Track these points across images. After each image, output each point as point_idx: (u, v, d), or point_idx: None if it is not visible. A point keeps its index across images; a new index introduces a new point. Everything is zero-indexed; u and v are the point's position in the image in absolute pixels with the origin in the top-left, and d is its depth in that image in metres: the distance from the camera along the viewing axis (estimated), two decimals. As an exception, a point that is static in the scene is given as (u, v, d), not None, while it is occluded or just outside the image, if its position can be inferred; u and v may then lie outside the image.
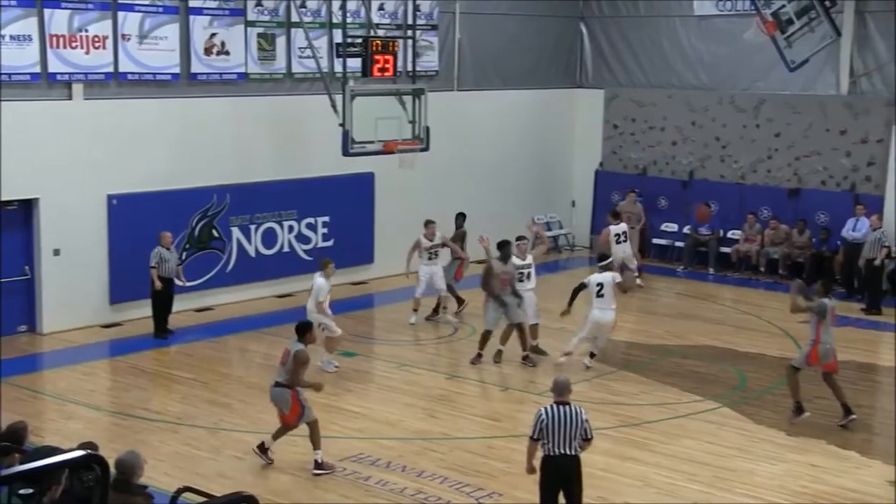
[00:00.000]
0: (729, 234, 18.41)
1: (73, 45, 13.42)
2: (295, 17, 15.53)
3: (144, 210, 14.19)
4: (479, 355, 12.71)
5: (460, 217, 15.39)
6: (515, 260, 12.77)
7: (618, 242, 16.25)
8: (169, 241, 13.71)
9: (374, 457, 9.73)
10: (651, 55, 19.45)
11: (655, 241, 19.01)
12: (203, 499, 5.18)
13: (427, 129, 14.69)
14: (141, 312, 14.03)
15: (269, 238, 15.81)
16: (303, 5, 15.71)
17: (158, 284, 13.48)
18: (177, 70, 14.47)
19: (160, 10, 14.22)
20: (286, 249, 15.97)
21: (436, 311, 14.78)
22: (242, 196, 15.32)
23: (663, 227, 19.07)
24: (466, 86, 18.34)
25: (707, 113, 18.79)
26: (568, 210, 20.32)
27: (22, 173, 12.97)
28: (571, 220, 20.28)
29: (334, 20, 15.65)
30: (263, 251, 15.72)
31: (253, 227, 15.58)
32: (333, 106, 14.02)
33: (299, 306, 13.01)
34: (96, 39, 13.62)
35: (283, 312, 14.50)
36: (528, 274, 12.88)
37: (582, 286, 12.37)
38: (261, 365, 12.53)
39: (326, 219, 16.38)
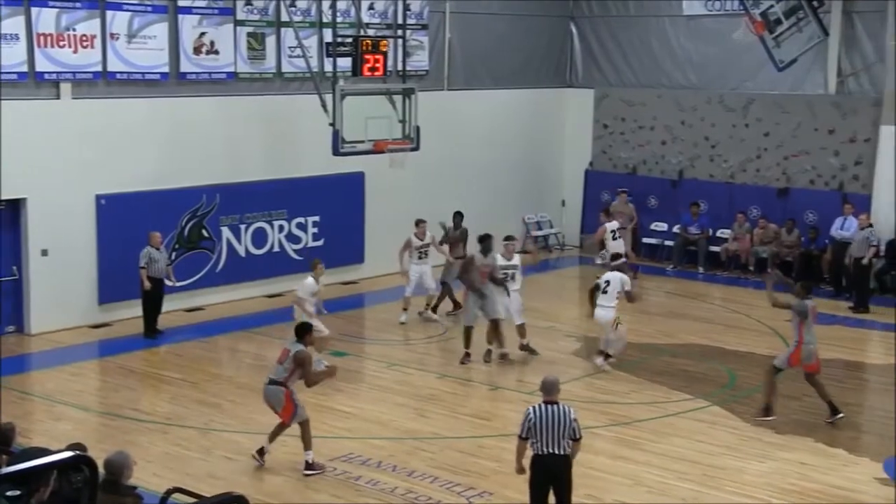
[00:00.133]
0: (718, 234, 18.47)
1: (61, 44, 13.36)
2: (285, 17, 15.50)
3: (133, 210, 14.14)
4: (467, 354, 12.71)
5: (458, 216, 15.38)
6: (501, 260, 12.78)
7: (613, 239, 16.38)
8: (158, 241, 13.68)
9: (365, 456, 9.73)
10: (640, 55, 19.49)
11: (645, 240, 19.04)
12: (193, 499, 5.16)
13: (417, 129, 14.69)
14: (130, 313, 13.99)
15: (259, 238, 15.78)
16: (292, 4, 15.68)
17: (147, 285, 13.44)
18: (166, 69, 14.43)
19: (149, 9, 14.17)
20: (276, 249, 15.94)
21: (426, 308, 14.79)
22: (232, 196, 15.28)
23: (653, 226, 19.11)
24: (456, 85, 18.34)
25: (696, 112, 18.84)
26: (558, 209, 20.35)
27: (9, 173, 12.90)
28: (561, 219, 20.31)
29: (324, 19, 15.64)
30: (253, 251, 15.69)
31: (243, 226, 15.55)
32: (323, 105, 14.01)
33: (289, 306, 12.99)
34: (84, 38, 13.57)
35: (273, 312, 14.49)
36: (514, 275, 12.90)
37: (596, 287, 12.38)
38: (251, 365, 12.51)
39: (317, 218, 16.36)
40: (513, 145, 19.23)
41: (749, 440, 10.33)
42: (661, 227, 19.10)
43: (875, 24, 16.95)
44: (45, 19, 13.18)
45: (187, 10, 14.57)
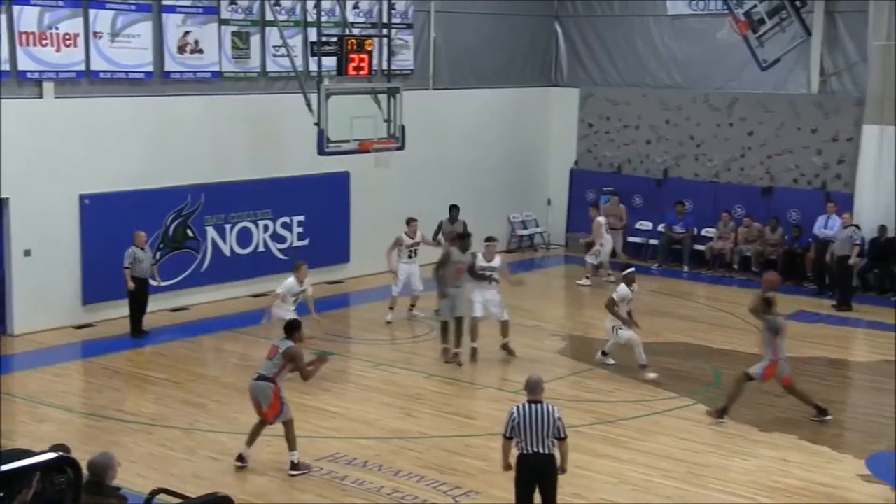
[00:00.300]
0: (703, 232, 18.55)
1: (44, 42, 13.27)
2: (269, 16, 15.46)
3: (117, 210, 14.07)
4: (449, 351, 12.66)
5: (454, 209, 15.34)
6: (482, 260, 12.75)
7: (606, 231, 16.54)
8: (143, 241, 13.62)
9: (351, 456, 9.72)
10: (625, 54, 19.55)
11: (630, 238, 19.10)
12: (178, 500, 5.15)
13: (402, 128, 14.68)
14: (114, 313, 13.92)
15: (245, 237, 15.73)
16: (277, 4, 15.64)
17: (131, 285, 13.39)
18: (150, 68, 14.37)
19: (133, 7, 14.10)
20: (261, 249, 15.90)
21: (411, 308, 14.79)
22: (217, 195, 15.23)
23: (638, 224, 19.18)
24: (442, 85, 18.35)
25: (681, 112, 18.92)
26: (543, 208, 20.39)
27: (-8, 173, 12.83)
28: (547, 218, 20.35)
29: (309, 18, 15.61)
30: (238, 251, 15.64)
31: (228, 226, 15.50)
32: (308, 105, 13.97)
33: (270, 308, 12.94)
34: (67, 37, 13.49)
35: (258, 312, 14.42)
36: (492, 276, 12.88)
37: (613, 302, 12.26)
38: (236, 365, 12.48)
39: (302, 218, 16.32)
40: (498, 144, 19.25)
41: (733, 438, 10.38)
42: (646, 225, 19.16)
43: (857, 24, 17.06)
44: (28, 18, 13.09)
45: (171, 9, 14.51)
